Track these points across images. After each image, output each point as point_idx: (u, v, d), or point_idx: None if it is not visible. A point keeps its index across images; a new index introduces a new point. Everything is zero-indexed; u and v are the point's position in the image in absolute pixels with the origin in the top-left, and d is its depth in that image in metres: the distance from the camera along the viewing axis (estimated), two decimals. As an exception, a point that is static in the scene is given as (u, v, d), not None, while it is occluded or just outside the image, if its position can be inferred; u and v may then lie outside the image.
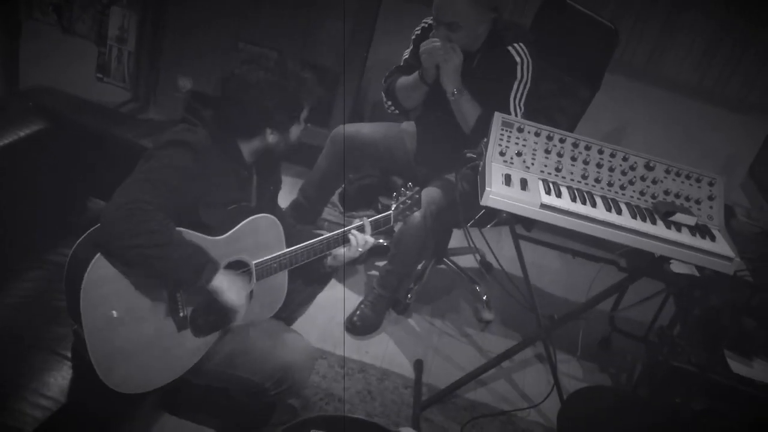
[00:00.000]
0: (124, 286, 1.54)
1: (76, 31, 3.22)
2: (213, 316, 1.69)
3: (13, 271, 1.93)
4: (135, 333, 1.57)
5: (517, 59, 2.37)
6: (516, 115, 2.37)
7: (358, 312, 2.70)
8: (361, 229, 1.91)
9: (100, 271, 1.50)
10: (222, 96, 1.71)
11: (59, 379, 1.65)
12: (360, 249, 1.90)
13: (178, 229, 1.55)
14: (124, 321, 1.55)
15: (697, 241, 1.93)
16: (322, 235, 1.86)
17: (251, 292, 1.76)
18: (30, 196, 2.03)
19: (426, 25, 2.57)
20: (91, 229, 1.55)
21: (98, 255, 1.50)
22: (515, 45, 2.38)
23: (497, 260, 2.42)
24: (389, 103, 2.65)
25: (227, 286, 1.61)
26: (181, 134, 1.65)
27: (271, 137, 1.74)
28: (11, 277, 1.91)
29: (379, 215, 1.98)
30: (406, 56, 2.66)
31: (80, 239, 1.56)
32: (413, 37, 2.62)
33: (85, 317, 1.50)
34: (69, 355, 1.70)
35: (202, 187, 1.63)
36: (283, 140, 1.77)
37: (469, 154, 2.13)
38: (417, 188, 2.05)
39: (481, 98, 2.39)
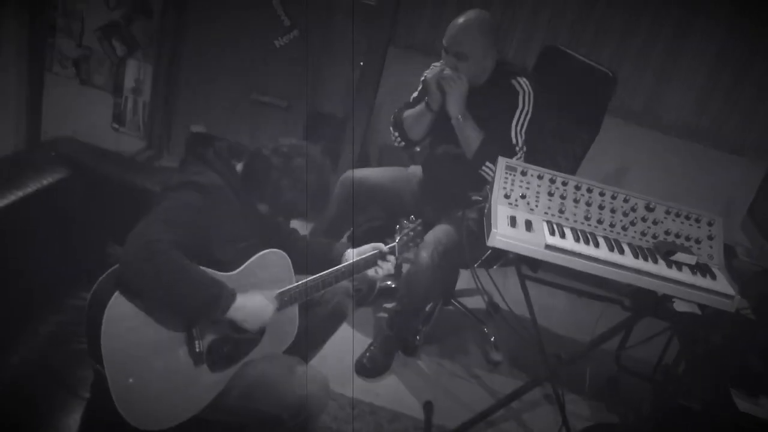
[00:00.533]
0: (142, 323, 1.60)
1: (94, 83, 3.34)
2: (228, 350, 1.75)
3: (35, 316, 1.98)
4: (154, 369, 1.62)
5: (519, 90, 2.54)
6: (517, 143, 2.52)
7: (367, 354, 2.74)
8: (376, 262, 2.00)
9: (119, 308, 1.56)
10: (249, 164, 1.85)
11: (79, 420, 1.69)
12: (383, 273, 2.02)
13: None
14: (143, 358, 1.60)
15: (698, 280, 1.98)
16: (345, 243, 2.02)
17: (264, 327, 1.81)
18: (52, 242, 2.10)
19: (435, 69, 2.69)
20: (111, 269, 1.62)
21: (117, 293, 1.56)
22: (518, 78, 2.56)
23: (504, 301, 2.46)
24: (396, 134, 2.78)
25: (244, 315, 1.67)
26: (190, 176, 1.74)
27: (263, 209, 1.88)
28: (33, 321, 1.96)
29: (386, 247, 2.05)
30: (415, 95, 2.79)
31: (100, 279, 1.62)
32: (422, 78, 2.74)
33: (106, 355, 1.55)
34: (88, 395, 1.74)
35: (213, 224, 1.71)
36: (270, 217, 1.91)
37: (474, 197, 2.20)
38: (419, 221, 2.12)
39: (484, 125, 2.53)
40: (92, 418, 1.70)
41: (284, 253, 1.88)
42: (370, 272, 2.01)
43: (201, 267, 1.64)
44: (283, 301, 1.81)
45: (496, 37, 2.57)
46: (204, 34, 3.33)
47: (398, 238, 2.06)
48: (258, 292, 1.74)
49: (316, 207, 1.90)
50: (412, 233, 2.08)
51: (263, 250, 1.83)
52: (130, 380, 1.58)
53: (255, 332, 1.76)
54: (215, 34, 3.32)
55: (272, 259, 1.85)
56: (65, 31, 3.23)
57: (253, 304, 1.70)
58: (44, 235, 2.07)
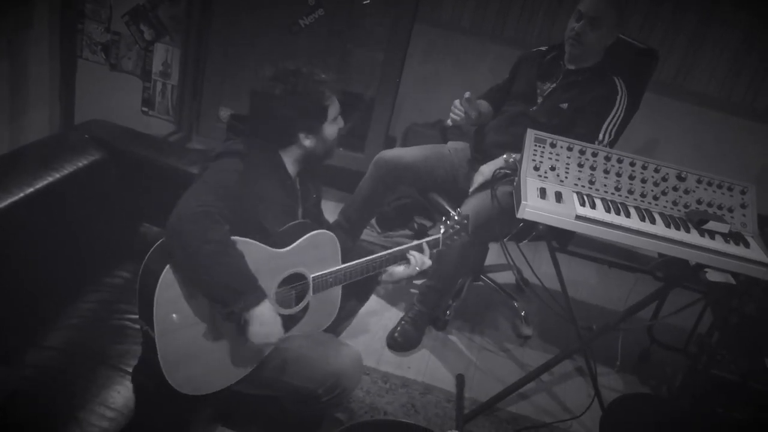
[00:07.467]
0: (194, 289, 1.64)
1: (123, 68, 3.38)
2: None
3: (75, 294, 2.04)
4: (200, 335, 1.67)
5: (619, 90, 2.60)
6: (604, 140, 2.55)
7: (399, 328, 2.77)
8: (419, 249, 1.99)
9: (174, 274, 1.61)
10: (252, 114, 1.86)
11: (122, 392, 1.74)
12: (417, 268, 1.97)
13: (248, 240, 1.66)
14: (191, 322, 1.65)
15: (732, 248, 1.96)
16: (375, 252, 1.96)
17: (307, 305, 1.85)
18: (88, 223, 2.15)
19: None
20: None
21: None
22: (618, 78, 2.62)
23: (535, 274, 2.46)
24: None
25: (258, 325, 1.65)
26: (231, 146, 1.79)
27: (308, 141, 1.86)
28: (74, 300, 2.02)
29: (431, 238, 2.04)
30: (500, 84, 2.91)
31: (156, 244, 1.66)
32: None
33: (158, 317, 1.60)
34: (130, 370, 1.79)
35: (256, 189, 1.75)
36: (321, 141, 1.88)
37: (503, 171, 2.19)
38: (466, 214, 2.12)
39: (579, 109, 2.58)
40: (139, 393, 1.75)
41: (333, 236, 1.91)
42: (401, 268, 1.98)
43: (254, 242, 1.68)
44: (327, 282, 1.84)
45: (624, 15, 2.67)
46: (230, 17, 3.34)
47: (443, 229, 2.05)
48: (279, 321, 1.71)
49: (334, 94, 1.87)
50: (458, 226, 2.08)
51: (312, 228, 1.85)
52: (174, 316, 1.62)
53: (255, 346, 1.73)
54: (241, 16, 3.33)
55: (322, 240, 1.88)
56: (94, 17, 3.27)
57: (270, 320, 1.67)
58: (80, 215, 2.12)
